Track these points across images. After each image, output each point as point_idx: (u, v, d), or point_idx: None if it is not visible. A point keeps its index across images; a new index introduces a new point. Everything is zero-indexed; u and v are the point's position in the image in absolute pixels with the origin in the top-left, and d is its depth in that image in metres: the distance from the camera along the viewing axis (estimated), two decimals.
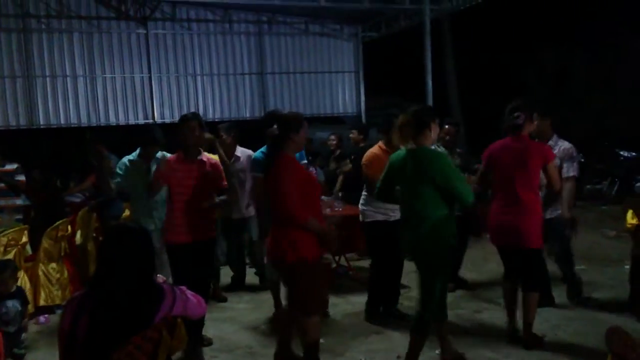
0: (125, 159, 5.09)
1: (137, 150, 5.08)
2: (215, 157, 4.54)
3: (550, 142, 4.86)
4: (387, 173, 3.83)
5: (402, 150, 3.76)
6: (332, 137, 8.21)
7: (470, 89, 16.21)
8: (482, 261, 6.62)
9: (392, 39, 13.12)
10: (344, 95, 13.22)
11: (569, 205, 4.74)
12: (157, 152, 5.01)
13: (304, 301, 3.63)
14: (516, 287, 4.33)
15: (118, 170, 5.11)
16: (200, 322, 4.14)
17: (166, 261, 4.41)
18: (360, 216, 4.99)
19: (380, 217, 4.78)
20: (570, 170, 4.82)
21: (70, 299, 2.50)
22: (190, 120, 4.25)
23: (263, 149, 4.95)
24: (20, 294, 4.52)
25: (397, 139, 3.96)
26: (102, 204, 6.18)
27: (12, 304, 4.27)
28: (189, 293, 2.54)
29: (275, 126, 4.13)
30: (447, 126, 5.64)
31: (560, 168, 4.67)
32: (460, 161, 5.60)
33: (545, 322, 4.57)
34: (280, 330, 4.10)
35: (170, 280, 4.22)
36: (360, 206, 4.98)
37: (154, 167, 4.75)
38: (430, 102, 10.54)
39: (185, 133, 4.18)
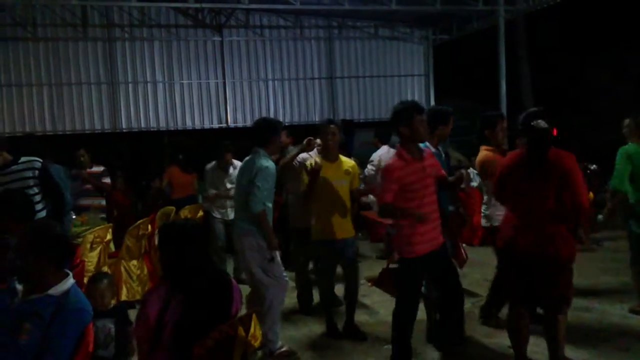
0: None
1: (264, 148, 4.33)
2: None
3: None
4: (627, 166, 4.56)
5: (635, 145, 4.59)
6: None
7: (546, 91, 15.61)
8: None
9: (463, 41, 12.88)
10: (414, 98, 13.06)
11: None
12: None
13: (566, 296, 3.55)
14: None
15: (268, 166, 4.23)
16: None
17: None
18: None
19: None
20: None
21: (154, 288, 2.73)
22: (424, 113, 3.82)
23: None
24: (117, 312, 3.71)
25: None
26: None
27: (103, 324, 3.49)
28: None
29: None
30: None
31: None
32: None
33: None
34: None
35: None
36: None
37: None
38: (504, 104, 10.29)
39: (420, 127, 3.74)
